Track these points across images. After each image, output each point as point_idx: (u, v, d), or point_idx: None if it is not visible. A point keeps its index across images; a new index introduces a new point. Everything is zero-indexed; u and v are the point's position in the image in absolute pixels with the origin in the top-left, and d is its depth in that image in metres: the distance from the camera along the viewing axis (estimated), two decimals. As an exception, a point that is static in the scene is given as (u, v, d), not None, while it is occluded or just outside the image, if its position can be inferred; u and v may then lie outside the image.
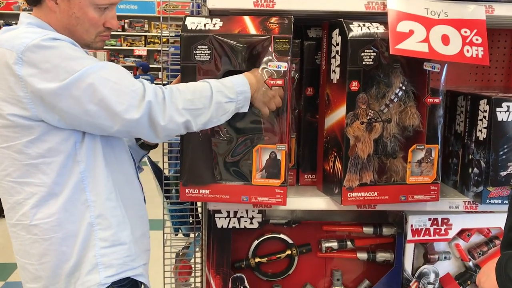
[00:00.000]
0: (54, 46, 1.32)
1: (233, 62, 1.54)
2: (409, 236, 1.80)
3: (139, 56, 11.24)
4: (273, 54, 1.52)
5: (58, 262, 1.43)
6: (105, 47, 10.20)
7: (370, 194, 1.63)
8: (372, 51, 1.55)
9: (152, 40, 11.13)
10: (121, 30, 10.83)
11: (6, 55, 1.32)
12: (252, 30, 1.54)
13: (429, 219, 1.81)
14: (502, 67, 2.22)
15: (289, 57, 1.52)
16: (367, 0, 1.58)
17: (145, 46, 11.03)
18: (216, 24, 1.55)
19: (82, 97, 1.32)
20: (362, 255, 1.88)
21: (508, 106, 1.60)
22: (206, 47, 1.53)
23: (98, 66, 1.34)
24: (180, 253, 2.01)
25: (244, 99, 1.49)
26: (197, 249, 1.97)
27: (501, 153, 1.62)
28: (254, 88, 1.50)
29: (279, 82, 1.52)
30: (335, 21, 1.60)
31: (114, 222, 1.47)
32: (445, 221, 1.81)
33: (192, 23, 1.56)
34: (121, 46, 11.06)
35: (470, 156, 1.73)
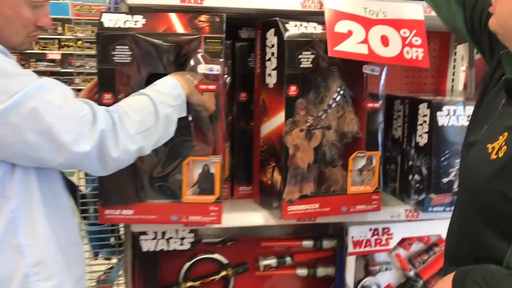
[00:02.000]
0: None
1: (157, 64, 1.37)
2: (350, 249, 1.71)
3: (52, 60, 10.65)
4: (204, 56, 1.36)
5: None
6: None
7: (311, 206, 1.51)
8: (310, 53, 1.44)
9: (66, 43, 10.57)
10: (31, 33, 10.17)
11: None
12: (179, 28, 1.38)
13: (370, 229, 1.72)
14: (432, 69, 2.20)
15: (222, 59, 1.37)
16: (303, -1, 1.47)
17: (58, 49, 10.44)
18: (138, 21, 1.37)
19: (22, 125, 1.06)
20: (302, 271, 1.76)
21: (448, 110, 1.54)
22: (127, 47, 1.35)
23: (39, 86, 1.09)
24: (101, 279, 1.79)
25: (182, 103, 1.32)
26: (120, 273, 1.76)
27: (442, 159, 1.56)
28: (186, 90, 1.33)
29: (212, 87, 1.36)
30: (270, 20, 1.47)
31: (56, 271, 1.21)
32: (386, 230, 1.73)
33: (110, 20, 1.37)
34: (32, 49, 10.40)
35: (410, 163, 1.66)
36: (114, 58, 1.34)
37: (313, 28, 1.46)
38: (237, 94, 1.66)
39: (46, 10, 1.24)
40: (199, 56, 1.36)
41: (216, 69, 1.37)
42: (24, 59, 10.50)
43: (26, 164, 1.13)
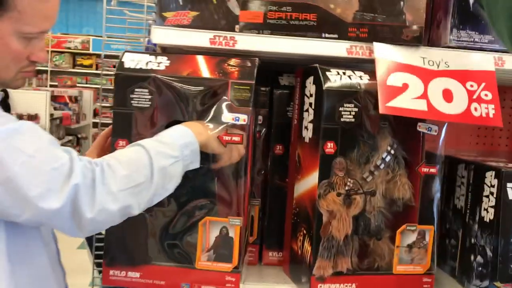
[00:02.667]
0: None
1: (180, 111, 1.23)
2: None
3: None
4: (230, 104, 1.20)
5: None
6: (92, 85, 9.91)
7: (346, 286, 1.28)
8: (353, 105, 1.24)
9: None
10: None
11: None
12: (205, 72, 1.23)
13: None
14: (508, 129, 1.92)
15: (250, 108, 1.21)
16: (349, 44, 1.29)
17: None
18: (161, 63, 1.24)
19: None
20: None
21: (522, 182, 1.28)
22: (147, 90, 1.22)
23: (10, 129, 0.96)
24: None
25: (192, 153, 1.13)
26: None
27: (512, 240, 1.29)
28: (202, 137, 1.15)
29: (236, 138, 1.20)
30: (310, 67, 1.30)
31: None
32: (440, 318, 1.46)
33: (132, 60, 1.25)
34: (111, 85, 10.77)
35: (473, 240, 1.39)
36: (133, 102, 1.22)
37: (358, 77, 1.27)
38: (272, 147, 1.48)
39: (41, 44, 1.09)
40: (224, 103, 1.20)
41: (243, 118, 1.20)
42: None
43: None
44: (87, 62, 10.29)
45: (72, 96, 8.67)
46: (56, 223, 1.00)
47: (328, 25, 1.29)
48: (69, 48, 10.32)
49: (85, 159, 1.02)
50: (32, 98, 7.03)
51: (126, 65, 1.24)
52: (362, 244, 1.32)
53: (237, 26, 1.36)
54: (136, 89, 1.21)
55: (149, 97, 1.21)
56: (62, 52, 10.35)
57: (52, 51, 9.80)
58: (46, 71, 9.54)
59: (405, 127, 1.32)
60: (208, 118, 1.20)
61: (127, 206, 1.03)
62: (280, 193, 1.47)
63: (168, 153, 1.10)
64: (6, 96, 6.67)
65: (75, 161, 0.99)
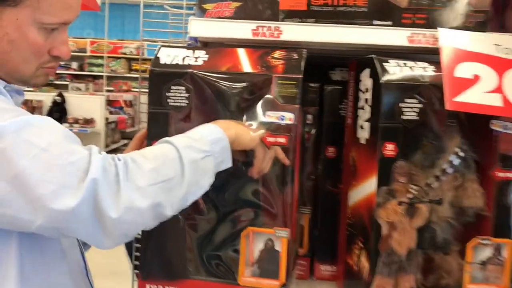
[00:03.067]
0: None
1: (219, 109, 1.11)
2: None
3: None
4: (274, 101, 1.08)
5: None
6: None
7: (409, 307, 1.12)
8: (416, 101, 1.08)
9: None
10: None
11: None
12: (246, 67, 1.11)
13: None
14: None
15: (297, 106, 1.07)
16: (410, 31, 1.13)
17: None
18: (199, 57, 1.13)
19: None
20: None
21: None
22: (183, 88, 1.11)
23: (20, 121, 0.84)
24: None
25: (222, 150, 0.99)
26: None
27: None
28: (231, 132, 1.01)
29: (281, 139, 1.07)
30: (365, 58, 1.15)
31: None
32: None
33: (168, 55, 1.14)
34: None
35: (559, 256, 1.20)
36: (169, 100, 1.11)
37: (422, 69, 1.11)
38: (323, 149, 1.35)
39: (62, 36, 0.98)
40: (268, 101, 1.08)
41: (289, 117, 1.07)
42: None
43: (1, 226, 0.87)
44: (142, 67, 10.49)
45: (127, 101, 8.82)
46: (76, 228, 0.85)
47: (380, 11, 1.14)
48: (124, 53, 10.53)
49: (107, 155, 0.89)
50: (88, 103, 7.20)
51: (162, 61, 1.13)
52: (427, 259, 1.15)
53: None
54: (173, 87, 1.11)
55: (186, 95, 1.10)
56: (118, 58, 10.58)
57: (108, 57, 10.02)
58: (102, 77, 9.76)
59: (476, 126, 1.15)
60: (250, 117, 1.08)
61: (157, 203, 0.89)
62: (333, 201, 1.33)
63: (197, 147, 0.96)
64: (63, 100, 6.86)
65: (94, 155, 0.86)
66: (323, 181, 1.35)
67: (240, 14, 1.25)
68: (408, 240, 1.11)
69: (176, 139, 0.97)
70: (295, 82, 1.07)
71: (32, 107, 6.55)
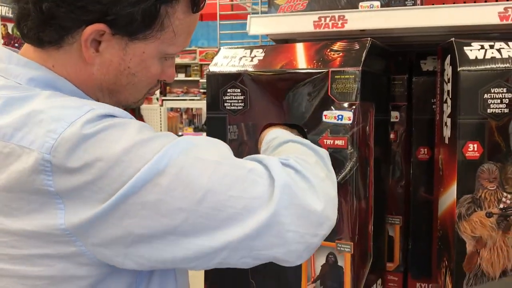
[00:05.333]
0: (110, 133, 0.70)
1: (274, 110, 1.03)
2: None
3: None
4: (330, 98, 0.96)
5: None
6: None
7: None
8: (505, 89, 0.88)
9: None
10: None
11: (21, 158, 0.68)
12: (301, 62, 1.01)
13: None
14: None
15: (356, 102, 0.95)
16: (502, 6, 0.92)
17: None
18: (255, 56, 1.07)
19: (162, 201, 0.68)
20: None
21: None
22: (239, 90, 1.05)
23: (181, 142, 0.72)
24: None
25: None
26: None
27: None
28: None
29: (339, 142, 0.95)
30: (447, 43, 0.97)
31: None
32: None
33: (225, 57, 1.10)
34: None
35: None
36: (226, 104, 1.07)
37: (513, 50, 0.90)
38: (415, 150, 1.18)
39: (172, 61, 0.88)
40: (324, 99, 0.97)
41: (347, 116, 0.95)
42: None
43: (163, 266, 0.73)
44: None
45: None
46: (278, 241, 0.72)
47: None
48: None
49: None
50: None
51: (219, 63, 1.09)
52: (535, 283, 0.93)
53: (361, 4, 1.12)
54: (229, 90, 1.06)
55: (241, 97, 1.05)
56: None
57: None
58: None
59: None
60: (306, 119, 0.98)
61: (335, 189, 0.82)
62: (427, 209, 1.16)
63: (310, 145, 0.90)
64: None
65: (265, 160, 0.76)
66: (415, 187, 1.18)
67: (313, 6, 1.15)
68: (502, 260, 0.91)
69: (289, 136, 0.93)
70: (352, 76, 0.95)
71: (192, 115, 7.01)
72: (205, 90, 10.07)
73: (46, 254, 0.69)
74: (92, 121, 0.68)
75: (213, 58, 1.13)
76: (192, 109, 7.25)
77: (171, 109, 6.10)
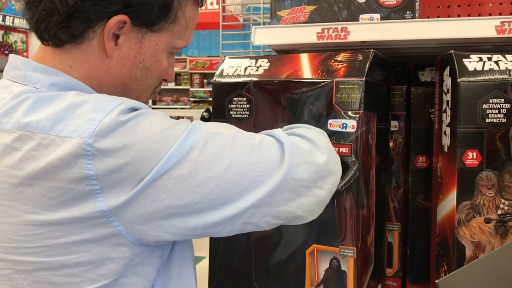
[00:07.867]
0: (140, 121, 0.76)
1: (280, 119, 1.06)
2: None
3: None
4: (334, 107, 0.99)
5: None
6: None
7: None
8: (503, 100, 0.92)
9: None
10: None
11: (62, 147, 0.71)
12: (306, 72, 1.04)
13: None
14: None
15: (360, 111, 0.98)
16: (499, 20, 0.97)
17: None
18: (261, 66, 1.10)
19: (194, 173, 0.75)
20: None
21: None
22: (244, 99, 1.08)
23: (198, 123, 0.80)
24: None
25: None
26: None
27: None
28: None
29: (344, 149, 0.98)
30: (446, 54, 1.01)
31: None
32: None
33: (231, 66, 1.13)
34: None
35: None
36: (231, 112, 1.09)
37: (510, 63, 0.94)
38: (413, 158, 1.21)
39: (173, 60, 0.92)
40: (329, 108, 1.00)
41: (351, 125, 0.98)
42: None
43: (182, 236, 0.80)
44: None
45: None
46: (292, 195, 0.82)
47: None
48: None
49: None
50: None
51: (225, 72, 1.12)
52: (532, 287, 0.96)
53: (361, 16, 1.16)
54: (234, 98, 1.09)
55: (247, 106, 1.08)
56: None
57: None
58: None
59: None
60: (310, 126, 1.01)
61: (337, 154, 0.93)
62: (425, 216, 1.19)
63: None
64: (210, 116, 7.23)
65: (270, 132, 0.87)
66: (414, 194, 1.21)
67: (315, 18, 1.19)
68: (500, 265, 0.94)
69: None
70: (357, 86, 0.98)
71: (183, 123, 7.01)
72: (195, 99, 10.19)
73: (83, 240, 0.73)
74: (125, 111, 0.74)
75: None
76: (183, 117, 7.26)
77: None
